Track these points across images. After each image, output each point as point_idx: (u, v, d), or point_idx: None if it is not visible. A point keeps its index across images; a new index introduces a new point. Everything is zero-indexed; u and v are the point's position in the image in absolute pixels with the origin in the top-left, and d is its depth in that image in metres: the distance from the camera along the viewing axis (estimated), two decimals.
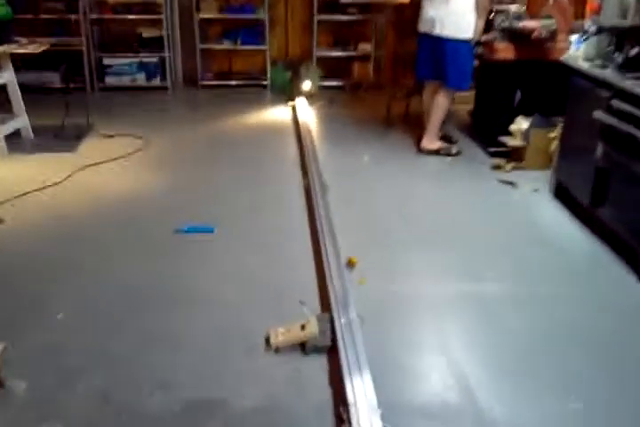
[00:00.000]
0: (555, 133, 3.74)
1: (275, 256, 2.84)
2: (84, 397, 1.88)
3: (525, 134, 3.96)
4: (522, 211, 3.47)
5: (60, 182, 3.62)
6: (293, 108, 5.50)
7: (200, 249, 2.88)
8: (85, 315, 2.34)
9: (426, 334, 2.30)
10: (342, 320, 2.23)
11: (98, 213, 3.27)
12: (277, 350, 2.13)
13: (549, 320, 2.40)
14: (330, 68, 6.28)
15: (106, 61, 5.89)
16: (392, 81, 6.32)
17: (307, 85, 5.88)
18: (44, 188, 3.53)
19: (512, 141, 4.09)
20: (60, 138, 4.39)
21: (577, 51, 3.45)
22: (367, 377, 1.92)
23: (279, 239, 3.02)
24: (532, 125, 3.94)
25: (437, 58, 4.10)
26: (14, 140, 4.23)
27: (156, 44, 5.95)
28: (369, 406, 1.80)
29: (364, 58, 6.38)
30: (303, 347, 2.14)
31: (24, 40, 4.23)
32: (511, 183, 3.80)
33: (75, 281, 2.58)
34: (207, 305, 2.42)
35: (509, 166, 4.04)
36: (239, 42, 6.14)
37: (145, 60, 5.95)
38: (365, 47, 6.33)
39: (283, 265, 2.76)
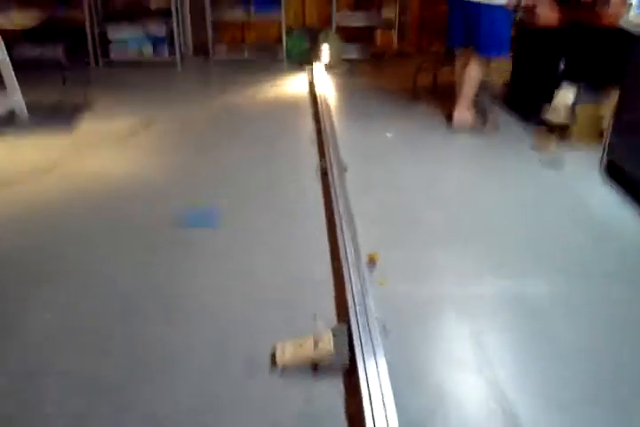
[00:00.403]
0: (606, 107, 3.29)
1: (286, 251, 2.49)
2: None
3: (571, 109, 3.51)
4: (569, 195, 3.05)
5: (50, 169, 3.28)
6: (311, 81, 5.08)
7: (201, 243, 2.53)
8: (66, 330, 2.01)
9: (460, 347, 1.93)
10: (362, 334, 1.87)
11: (89, 204, 2.92)
12: (284, 369, 1.79)
13: (607, 327, 2.03)
14: (350, 36, 5.80)
15: (110, 34, 5.50)
16: (418, 50, 5.85)
17: (325, 55, 5.44)
18: (31, 175, 3.20)
19: (555, 117, 3.64)
20: (57, 118, 4.05)
21: (638, 15, 2.98)
22: (391, 409, 1.57)
23: (291, 230, 2.66)
24: (578, 98, 3.48)
25: (470, 24, 3.64)
26: (7, 120, 3.91)
27: (163, 16, 5.54)
28: None
29: (388, 24, 5.88)
30: (315, 366, 1.80)
31: (13, 12, 3.87)
32: (555, 164, 3.37)
33: (58, 286, 2.25)
34: (205, 313, 2.07)
35: (553, 144, 3.60)
36: (252, 10, 5.70)
37: (152, 32, 5.54)
38: (389, 13, 5.83)
39: (295, 263, 2.40)
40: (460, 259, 2.43)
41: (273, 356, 1.83)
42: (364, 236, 2.49)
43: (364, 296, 2.07)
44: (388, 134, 3.88)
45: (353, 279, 2.18)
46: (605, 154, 3.15)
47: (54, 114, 4.09)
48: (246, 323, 2.02)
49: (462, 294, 2.20)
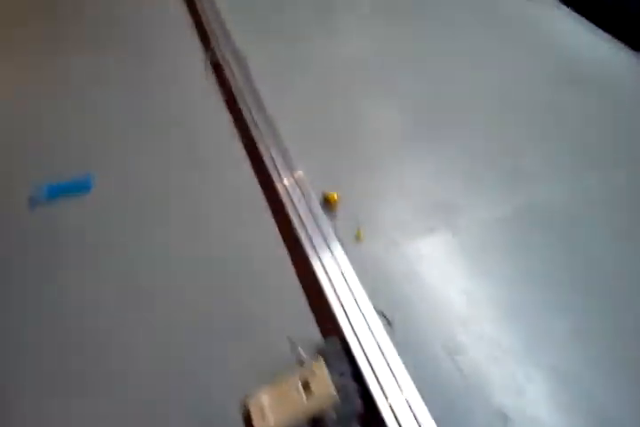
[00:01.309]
0: None
1: (200, 218, 1.65)
2: None
3: None
4: (529, 38, 2.32)
5: None
6: None
7: (73, 236, 1.66)
8: None
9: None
10: (366, 345, 1.24)
11: None
12: None
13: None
14: None
15: None
16: None
17: None
18: None
19: None
20: None
21: None
22: None
23: (199, 177, 1.79)
24: None
25: None
26: None
27: None
28: None
29: None
30: (315, 424, 1.17)
31: None
32: None
33: None
34: (111, 371, 1.32)
35: None
36: None
37: None
38: None
39: (214, 232, 1.59)
40: (439, 172, 1.75)
41: (245, 421, 1.18)
42: (299, 163, 1.74)
43: (342, 272, 1.41)
44: None
45: (316, 245, 1.49)
46: None
47: None
48: (177, 367, 1.29)
49: (463, 231, 1.57)
